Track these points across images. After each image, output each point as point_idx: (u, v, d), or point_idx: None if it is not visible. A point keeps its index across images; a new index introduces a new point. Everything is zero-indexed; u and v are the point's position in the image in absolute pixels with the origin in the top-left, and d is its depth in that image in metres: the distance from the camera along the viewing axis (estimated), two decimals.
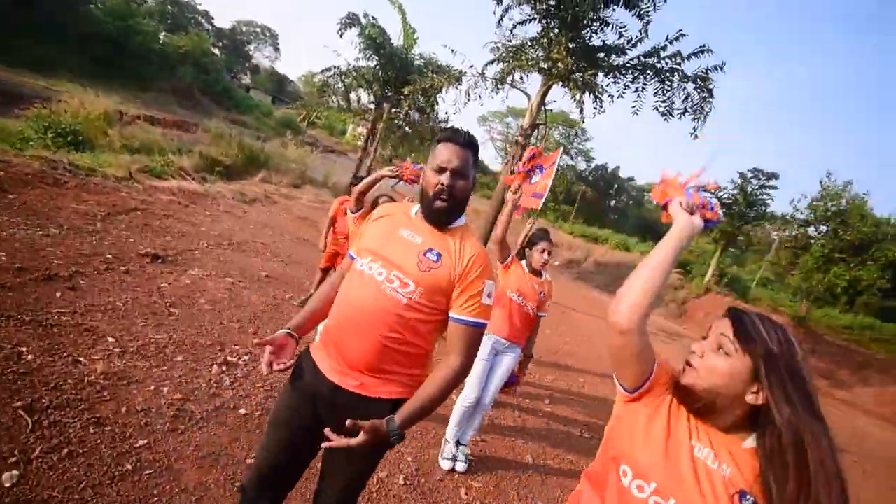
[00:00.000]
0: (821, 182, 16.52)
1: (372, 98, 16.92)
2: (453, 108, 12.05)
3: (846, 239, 15.22)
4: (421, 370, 1.43)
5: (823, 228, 16.41)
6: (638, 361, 1.05)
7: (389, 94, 16.40)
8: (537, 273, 3.07)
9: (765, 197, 18.97)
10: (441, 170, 1.38)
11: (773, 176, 18.55)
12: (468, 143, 1.41)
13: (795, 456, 0.86)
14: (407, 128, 16.30)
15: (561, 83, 10.29)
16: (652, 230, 36.60)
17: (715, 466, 0.95)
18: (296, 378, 1.47)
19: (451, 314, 1.37)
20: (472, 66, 11.11)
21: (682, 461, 0.97)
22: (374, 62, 15.42)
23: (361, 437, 1.21)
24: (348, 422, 1.19)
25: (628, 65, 10.41)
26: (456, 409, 3.03)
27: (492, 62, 11.53)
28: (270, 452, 1.46)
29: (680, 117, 10.54)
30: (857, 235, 14.98)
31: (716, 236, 20.17)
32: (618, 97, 10.73)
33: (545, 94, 10.73)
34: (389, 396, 1.37)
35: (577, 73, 9.83)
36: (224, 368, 3.15)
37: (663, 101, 10.68)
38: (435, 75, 11.56)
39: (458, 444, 3.04)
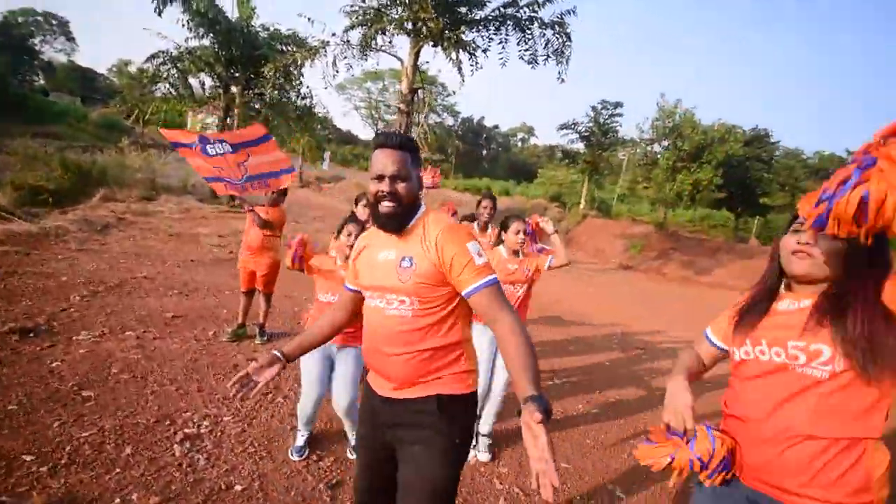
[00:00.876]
0: (657, 103, 19.01)
1: (217, 82, 14.92)
2: (323, 81, 11.02)
3: (684, 149, 17.82)
4: (464, 361, 1.46)
5: (665, 144, 18.99)
6: None
7: (237, 74, 14.61)
8: (516, 253, 3.03)
9: (614, 124, 21.24)
10: (379, 178, 1.39)
11: (619, 104, 20.81)
12: (402, 145, 1.41)
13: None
14: (268, 110, 14.75)
15: (432, 43, 10.04)
16: (522, 171, 39.03)
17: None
18: (363, 403, 1.60)
19: (463, 294, 1.37)
20: (333, 35, 10.29)
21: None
22: (210, 40, 13.48)
23: (537, 430, 1.03)
24: None
25: (489, 17, 10.52)
26: None
27: (351, 27, 10.80)
28: (361, 476, 1.58)
29: (545, 63, 11.06)
30: (692, 144, 17.64)
31: (582, 167, 22.23)
32: (483, 51, 10.83)
33: (417, 55, 10.42)
34: (437, 393, 1.41)
35: (449, 32, 9.65)
36: (188, 445, 2.60)
37: (527, 50, 11.06)
38: (295, 49, 10.49)
39: (477, 434, 2.96)
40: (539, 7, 10.14)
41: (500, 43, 10.98)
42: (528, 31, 10.70)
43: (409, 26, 10.21)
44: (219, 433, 2.80)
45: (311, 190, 28.62)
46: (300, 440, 2.79)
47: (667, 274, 16.27)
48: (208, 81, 14.91)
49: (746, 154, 19.43)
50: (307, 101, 15.60)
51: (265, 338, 4.42)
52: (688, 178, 17.77)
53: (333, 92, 28.23)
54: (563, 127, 21.49)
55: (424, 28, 9.59)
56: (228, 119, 14.81)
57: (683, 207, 23.40)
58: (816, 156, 38.01)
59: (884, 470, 1.12)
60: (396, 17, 10.35)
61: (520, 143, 48.25)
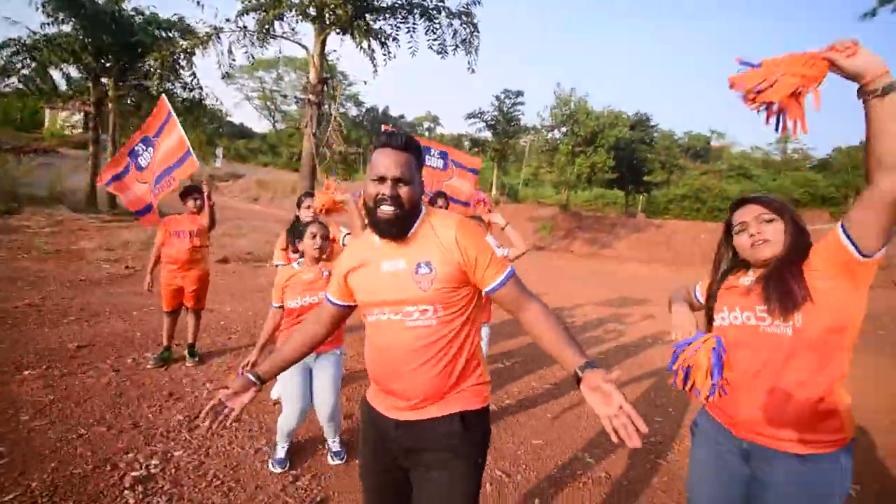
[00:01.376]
0: (554, 92, 20.21)
1: (84, 73, 12.96)
2: (217, 70, 10.00)
3: (580, 135, 19.22)
4: (481, 372, 1.40)
5: (564, 130, 20.31)
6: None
7: (108, 64, 12.83)
8: None
9: (517, 113, 22.22)
10: (380, 179, 1.28)
11: (520, 93, 21.81)
12: (406, 146, 1.31)
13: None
14: (151, 103, 13.15)
15: (340, 31, 9.64)
16: None
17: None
18: (364, 428, 1.48)
19: (487, 289, 1.32)
20: (228, 20, 9.42)
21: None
22: (73, 26, 11.64)
23: (608, 388, 1.01)
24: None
25: (396, 5, 10.35)
26: None
27: (244, 12, 9.99)
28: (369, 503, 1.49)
29: (454, 53, 11.17)
30: (587, 130, 19.07)
31: (491, 155, 23.02)
32: (394, 39, 10.67)
33: (323, 44, 9.94)
34: (460, 411, 1.33)
35: (359, 20, 9.31)
36: (141, 489, 2.29)
37: (435, 40, 11.08)
38: (181, 37, 9.42)
39: None
40: None
41: (408, 32, 10.88)
42: (436, 21, 10.72)
43: (313, 12, 9.69)
44: (173, 470, 2.50)
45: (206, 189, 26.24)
46: (280, 452, 2.64)
47: (574, 251, 17.58)
48: (74, 73, 12.86)
49: (632, 137, 21.51)
50: (195, 93, 14.18)
51: (197, 359, 4.01)
52: (585, 161, 19.23)
53: (220, 82, 25.94)
54: (471, 116, 22.03)
55: (331, 15, 9.16)
56: (99, 116, 12.97)
57: (581, 189, 25.36)
58: (686, 135, 43.27)
59: (849, 408, 1.33)
60: (297, 2, 9.76)
61: (426, 133, 48.53)
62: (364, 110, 40.26)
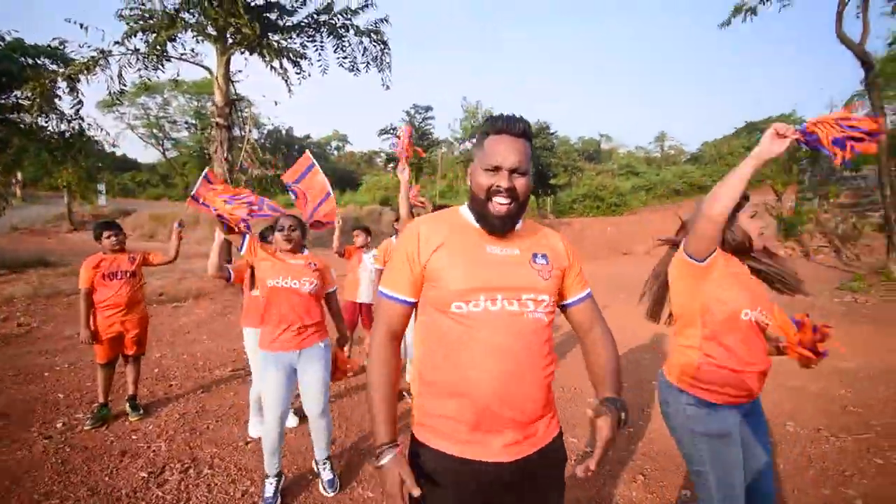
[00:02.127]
0: (461, 105, 21.06)
1: None
2: (102, 97, 9.00)
3: None
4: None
5: (475, 140, 21.15)
6: (713, 241, 1.54)
7: None
8: None
9: (429, 127, 22.74)
10: (495, 169, 1.14)
11: (429, 108, 22.37)
12: (525, 133, 1.17)
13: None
14: (23, 138, 11.53)
15: (247, 51, 9.25)
16: (344, 179, 38.67)
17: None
18: (439, 492, 1.12)
19: (572, 300, 1.27)
20: (117, 43, 8.60)
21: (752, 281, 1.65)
22: None
23: (608, 433, 1.03)
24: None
25: (303, 23, 10.18)
26: None
27: (132, 34, 9.22)
28: None
29: (367, 70, 11.22)
30: None
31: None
32: (306, 58, 10.46)
33: (228, 64, 9.47)
34: (555, 433, 1.21)
35: (269, 39, 9.01)
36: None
37: (345, 58, 11.06)
38: (56, 63, 8.39)
39: None
40: (352, 14, 10.23)
41: (316, 50, 10.74)
42: (345, 39, 10.71)
43: (213, 32, 9.20)
44: (192, 477, 2.27)
45: (89, 232, 23.39)
46: (269, 489, 2.51)
47: None
48: None
49: (535, 145, 23.02)
50: (75, 124, 12.68)
51: (140, 412, 3.61)
52: None
53: (95, 111, 23.15)
54: (383, 132, 22.10)
55: (235, 35, 8.76)
56: None
57: None
58: (580, 140, 47.11)
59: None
60: (193, 22, 9.21)
61: (335, 152, 47.61)
62: (265, 132, 38.52)
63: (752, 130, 38.19)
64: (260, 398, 3.37)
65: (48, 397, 3.91)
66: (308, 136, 43.60)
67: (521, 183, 1.15)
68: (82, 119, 12.43)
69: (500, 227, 1.17)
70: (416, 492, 1.02)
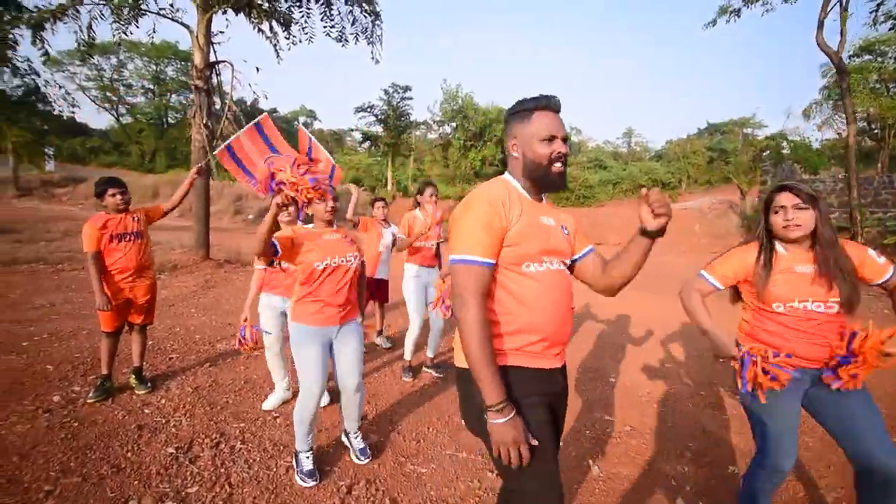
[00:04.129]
0: (441, 87, 20.74)
1: None
2: (74, 50, 8.12)
3: (471, 129, 20.03)
4: None
5: (454, 124, 20.96)
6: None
7: None
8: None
9: (406, 107, 22.29)
10: (551, 139, 1.38)
11: (408, 88, 21.83)
12: (560, 108, 1.45)
13: (832, 250, 1.72)
14: None
15: (232, 11, 8.65)
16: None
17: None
18: (527, 393, 1.33)
19: (582, 253, 1.54)
20: None
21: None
22: None
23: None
24: None
25: None
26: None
27: None
28: (552, 463, 1.32)
29: (355, 42, 10.80)
30: (476, 125, 19.95)
31: (384, 150, 22.76)
32: (295, 23, 9.92)
33: (209, 24, 8.84)
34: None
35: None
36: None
37: (332, 26, 10.60)
38: (27, 10, 7.52)
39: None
40: None
41: (302, 16, 10.21)
42: (333, 6, 10.24)
43: None
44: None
45: (39, 199, 21.62)
46: (306, 462, 2.40)
47: None
48: None
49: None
50: (29, 79, 11.60)
51: (148, 386, 3.34)
52: (477, 154, 20.12)
53: (45, 71, 21.16)
54: (360, 110, 21.49)
55: None
56: None
57: (468, 182, 26.53)
58: None
59: None
60: None
61: (305, 128, 45.88)
62: (227, 102, 36.61)
63: (713, 131, 39.73)
64: (281, 367, 3.22)
65: (35, 369, 3.56)
66: (275, 110, 41.87)
67: (566, 149, 1.40)
68: (38, 74, 11.43)
69: (560, 186, 1.41)
70: (535, 441, 1.25)
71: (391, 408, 3.28)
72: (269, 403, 3.19)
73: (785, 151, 20.65)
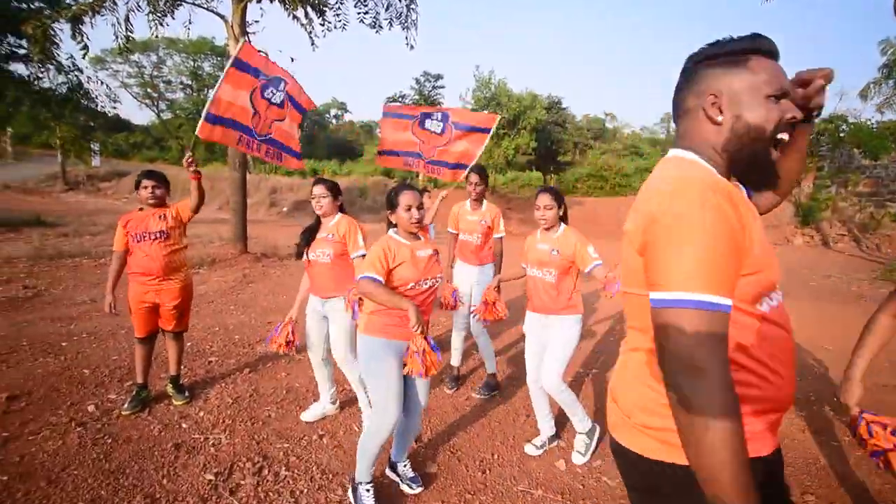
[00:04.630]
0: (474, 75, 20.14)
1: None
2: (115, 44, 8.09)
3: (504, 116, 19.37)
4: None
5: (487, 112, 20.37)
6: None
7: None
8: (477, 204, 3.58)
9: (438, 96, 21.83)
10: (782, 95, 0.89)
11: (439, 77, 21.43)
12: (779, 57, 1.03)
13: None
14: (18, 91, 10.65)
15: None
16: (344, 150, 37.69)
17: None
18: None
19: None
20: None
21: None
22: None
23: None
24: None
25: None
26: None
27: None
28: None
29: (389, 27, 10.42)
30: (509, 112, 19.30)
31: None
32: (330, 8, 9.62)
33: (244, 12, 8.65)
34: None
35: None
36: None
37: (366, 12, 10.24)
38: (66, 5, 7.51)
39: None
40: None
41: (336, 2, 9.89)
42: None
43: None
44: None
45: (85, 193, 22.45)
46: (367, 498, 2.11)
47: (512, 231, 17.81)
48: None
49: (548, 119, 22.26)
50: (73, 76, 11.76)
51: (186, 395, 3.12)
52: (510, 143, 19.50)
53: (87, 67, 21.75)
54: (391, 100, 21.16)
55: None
56: None
57: (501, 172, 25.92)
58: (584, 118, 46.21)
59: None
60: None
61: (334, 121, 46.12)
62: None
63: None
64: (327, 377, 2.93)
65: (72, 373, 3.41)
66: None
67: None
68: (81, 71, 11.58)
69: (774, 180, 0.96)
70: None
71: (448, 428, 2.93)
72: (310, 414, 2.92)
73: (843, 135, 19.11)
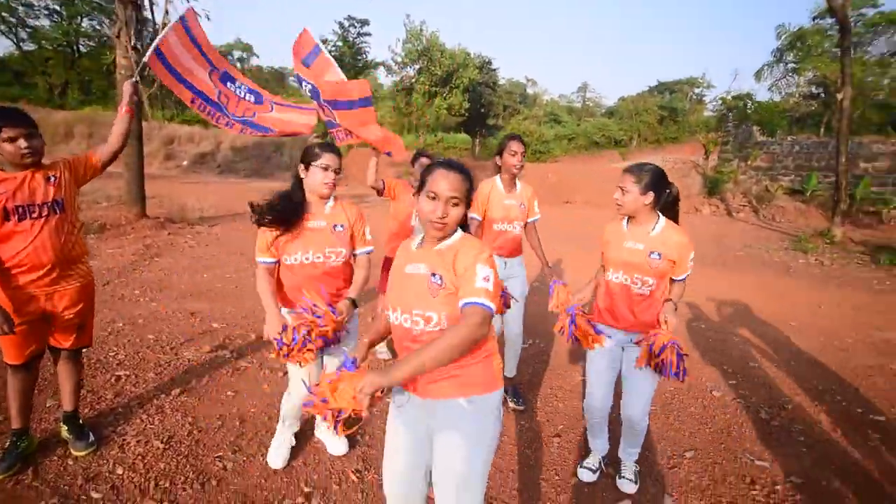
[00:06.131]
0: (404, 24, 18.61)
1: None
2: None
3: (436, 74, 18.31)
4: None
5: (417, 67, 19.10)
6: None
7: None
8: (512, 183, 2.78)
9: (364, 44, 20.00)
10: None
11: (366, 22, 19.50)
12: None
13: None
14: None
15: None
16: None
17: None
18: None
19: None
20: None
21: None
22: None
23: None
24: None
25: None
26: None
27: None
28: None
29: None
30: (442, 69, 18.23)
31: None
32: None
33: None
34: None
35: None
36: None
37: None
38: None
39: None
40: None
41: None
42: None
43: None
44: None
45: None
46: None
47: None
48: None
49: (479, 80, 21.52)
50: None
51: (90, 441, 2.15)
52: (443, 103, 18.59)
53: None
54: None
55: None
56: None
57: (432, 132, 24.91)
58: (507, 81, 46.14)
59: None
60: None
61: (238, 64, 41.01)
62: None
63: (664, 90, 40.27)
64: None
65: None
66: None
67: None
68: None
69: None
70: None
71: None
72: (278, 458, 2.15)
73: (749, 112, 20.88)
